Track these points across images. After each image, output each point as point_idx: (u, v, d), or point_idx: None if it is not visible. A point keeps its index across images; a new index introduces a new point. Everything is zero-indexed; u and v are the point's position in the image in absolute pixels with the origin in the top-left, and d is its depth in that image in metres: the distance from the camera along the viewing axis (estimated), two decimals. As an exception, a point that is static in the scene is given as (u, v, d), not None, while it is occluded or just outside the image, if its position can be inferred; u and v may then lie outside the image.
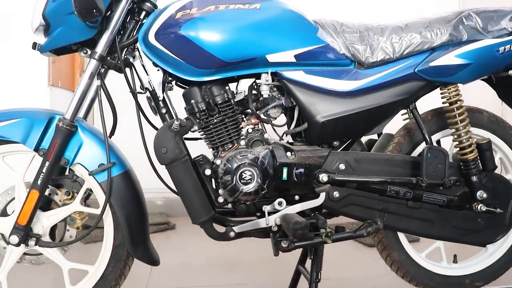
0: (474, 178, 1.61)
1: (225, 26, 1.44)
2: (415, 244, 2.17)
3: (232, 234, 1.48)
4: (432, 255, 1.79)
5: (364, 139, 1.74)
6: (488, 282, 1.82)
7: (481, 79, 1.73)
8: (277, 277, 2.23)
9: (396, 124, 1.76)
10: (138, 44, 1.53)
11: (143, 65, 1.55)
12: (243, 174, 1.42)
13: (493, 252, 1.81)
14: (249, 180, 1.42)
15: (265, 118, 1.55)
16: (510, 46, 1.58)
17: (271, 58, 1.47)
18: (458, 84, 1.62)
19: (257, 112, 1.53)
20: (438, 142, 1.77)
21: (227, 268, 2.44)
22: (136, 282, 2.16)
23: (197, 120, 1.51)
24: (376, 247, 1.76)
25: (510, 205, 1.70)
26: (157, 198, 3.59)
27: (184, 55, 1.45)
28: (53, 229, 1.56)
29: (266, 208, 1.48)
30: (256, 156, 1.44)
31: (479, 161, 1.63)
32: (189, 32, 1.42)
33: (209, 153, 1.57)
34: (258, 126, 1.56)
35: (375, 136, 1.79)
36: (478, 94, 2.00)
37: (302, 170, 1.47)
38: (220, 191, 1.46)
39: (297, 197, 1.51)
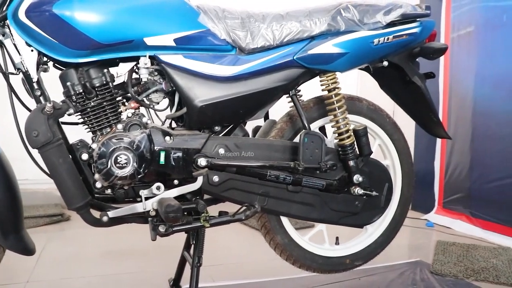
0: (351, 163, 1.69)
1: (101, 6, 1.39)
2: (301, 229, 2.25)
3: (105, 218, 1.44)
4: (316, 238, 1.85)
5: (251, 125, 1.76)
6: (367, 261, 1.92)
7: (360, 69, 1.81)
8: (167, 264, 2.22)
9: (284, 111, 1.81)
10: (8, 21, 1.44)
11: (14, 44, 1.47)
12: (118, 158, 1.39)
13: (372, 233, 1.92)
14: (125, 164, 1.39)
15: (147, 102, 1.53)
16: (384, 38, 1.67)
17: (150, 41, 1.45)
18: (337, 73, 1.70)
19: (138, 96, 1.51)
20: (322, 128, 1.84)
21: (119, 258, 2.40)
22: (17, 275, 2.06)
23: (74, 103, 1.45)
24: (260, 231, 1.80)
25: (385, 188, 1.80)
26: (54, 188, 3.42)
27: (57, 35, 1.38)
28: None
29: (143, 193, 1.45)
30: (132, 140, 1.41)
31: (356, 146, 1.71)
32: (62, 11, 1.36)
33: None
34: (139, 111, 1.53)
35: (262, 123, 1.83)
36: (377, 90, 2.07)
37: (180, 154, 1.46)
38: (96, 175, 1.42)
39: (176, 182, 1.50)
